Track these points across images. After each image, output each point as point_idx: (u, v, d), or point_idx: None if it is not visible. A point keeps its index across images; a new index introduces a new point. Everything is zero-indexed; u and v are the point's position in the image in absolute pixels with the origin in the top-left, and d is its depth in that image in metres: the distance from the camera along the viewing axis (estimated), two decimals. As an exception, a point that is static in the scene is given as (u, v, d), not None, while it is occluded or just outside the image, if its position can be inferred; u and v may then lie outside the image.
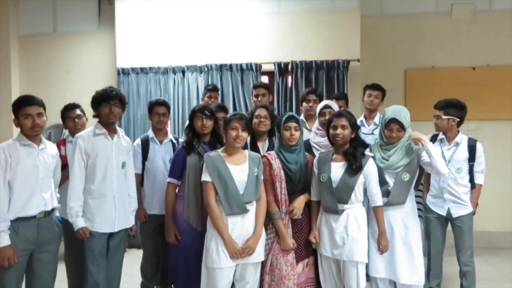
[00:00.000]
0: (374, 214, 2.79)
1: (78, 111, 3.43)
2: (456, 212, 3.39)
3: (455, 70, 5.20)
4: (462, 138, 3.42)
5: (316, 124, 3.32)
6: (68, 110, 3.43)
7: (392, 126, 2.83)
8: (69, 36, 5.68)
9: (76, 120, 3.40)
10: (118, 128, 3.07)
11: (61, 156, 3.05)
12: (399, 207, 2.82)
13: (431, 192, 3.53)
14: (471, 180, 3.41)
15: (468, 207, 3.39)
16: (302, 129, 2.89)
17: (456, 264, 3.48)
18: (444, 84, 5.17)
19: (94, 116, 2.96)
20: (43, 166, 2.68)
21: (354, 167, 2.72)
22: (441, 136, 3.48)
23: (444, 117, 3.34)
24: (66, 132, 3.84)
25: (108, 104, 2.86)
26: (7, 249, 2.48)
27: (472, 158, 3.38)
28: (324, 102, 3.37)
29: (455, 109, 3.35)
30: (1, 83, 5.54)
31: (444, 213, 3.43)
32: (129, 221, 3.06)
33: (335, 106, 3.28)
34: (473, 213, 3.45)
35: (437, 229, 3.48)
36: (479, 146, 3.42)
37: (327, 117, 3.13)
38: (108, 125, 2.92)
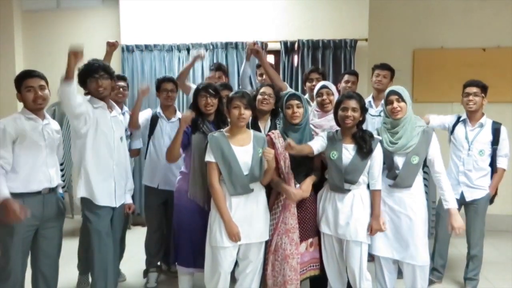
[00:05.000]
0: (371, 197, 2.77)
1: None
2: (470, 196, 3.39)
3: (464, 51, 5.11)
4: (486, 120, 3.40)
5: (314, 105, 3.24)
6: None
7: (391, 98, 2.79)
8: (72, 12, 5.61)
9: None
10: (117, 106, 3.07)
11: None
12: (406, 189, 2.80)
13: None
14: (492, 164, 3.39)
15: (484, 190, 3.38)
16: (306, 107, 2.84)
17: (461, 246, 3.47)
18: (453, 65, 5.09)
19: (85, 94, 2.86)
20: (48, 141, 2.68)
21: (365, 151, 2.69)
22: (464, 117, 3.46)
23: (482, 95, 3.35)
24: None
25: (94, 78, 2.77)
26: (10, 202, 2.41)
27: (495, 141, 3.36)
28: (322, 82, 3.29)
29: (485, 90, 3.37)
30: (5, 59, 5.52)
31: (458, 196, 3.41)
32: (126, 197, 3.05)
33: (332, 87, 3.21)
34: (491, 197, 3.44)
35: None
36: (503, 129, 3.39)
37: (324, 97, 3.09)
38: (101, 99, 2.83)
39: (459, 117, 3.52)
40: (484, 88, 3.37)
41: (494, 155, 3.38)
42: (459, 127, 3.47)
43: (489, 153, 3.37)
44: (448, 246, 3.58)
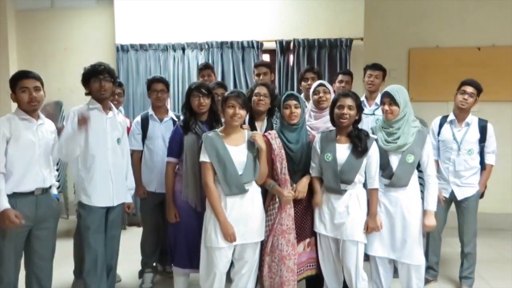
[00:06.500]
0: (369, 195, 2.77)
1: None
2: (462, 195, 3.41)
3: (459, 50, 5.12)
4: (472, 119, 3.42)
5: (311, 105, 3.21)
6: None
7: (384, 100, 2.81)
8: (66, 11, 5.57)
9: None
10: (114, 107, 3.05)
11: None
12: (401, 189, 2.79)
13: (437, 174, 3.51)
14: (482, 161, 3.41)
15: (474, 187, 3.40)
16: (303, 107, 2.83)
17: (455, 245, 3.47)
18: (448, 65, 5.10)
19: (86, 94, 2.91)
20: (42, 141, 2.66)
21: (360, 149, 2.68)
22: (451, 117, 3.46)
23: (476, 97, 3.35)
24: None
25: (97, 79, 2.82)
26: (8, 211, 2.45)
27: (483, 139, 3.38)
28: (319, 81, 3.29)
29: (480, 93, 3.38)
30: (-1, 59, 5.48)
31: (447, 195, 3.43)
32: (127, 197, 3.07)
33: (329, 86, 3.20)
34: (481, 194, 3.46)
35: (439, 209, 3.46)
36: (489, 126, 3.41)
37: (321, 94, 3.07)
38: (100, 100, 2.87)
39: (444, 117, 3.52)
40: (479, 91, 3.38)
41: (483, 153, 3.41)
42: (446, 128, 3.47)
43: (478, 151, 3.40)
44: (440, 243, 3.59)
